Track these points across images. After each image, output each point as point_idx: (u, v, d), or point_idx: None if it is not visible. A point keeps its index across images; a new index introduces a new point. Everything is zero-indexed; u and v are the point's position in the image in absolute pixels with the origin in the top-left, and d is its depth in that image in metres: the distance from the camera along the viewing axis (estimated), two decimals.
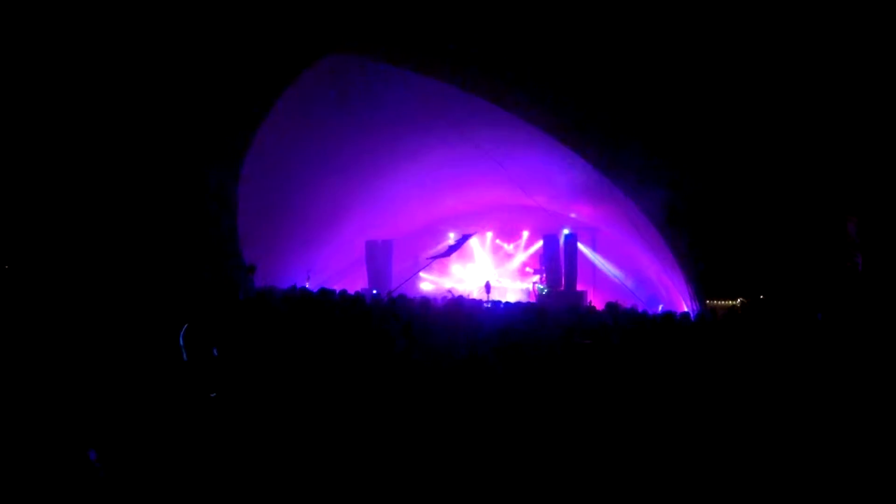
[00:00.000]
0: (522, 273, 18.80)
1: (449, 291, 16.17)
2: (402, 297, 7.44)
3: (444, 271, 19.50)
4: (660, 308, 13.59)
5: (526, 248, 19.17)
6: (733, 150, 9.85)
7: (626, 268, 16.91)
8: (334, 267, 16.72)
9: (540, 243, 18.23)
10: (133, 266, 7.46)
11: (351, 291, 8.82)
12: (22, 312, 4.60)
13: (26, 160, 7.92)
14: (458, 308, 6.46)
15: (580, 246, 17.40)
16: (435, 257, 17.48)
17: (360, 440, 3.52)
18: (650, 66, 9.44)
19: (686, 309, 12.02)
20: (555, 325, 5.54)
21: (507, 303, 10.31)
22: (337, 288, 8.18)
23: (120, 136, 8.51)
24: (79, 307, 4.64)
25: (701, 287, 11.89)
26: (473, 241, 19.44)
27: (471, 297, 15.21)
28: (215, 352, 4.16)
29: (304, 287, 9.70)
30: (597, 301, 15.50)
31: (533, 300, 16.17)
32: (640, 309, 8.65)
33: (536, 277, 17.97)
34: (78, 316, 4.45)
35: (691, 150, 10.24)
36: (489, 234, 19.39)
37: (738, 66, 8.95)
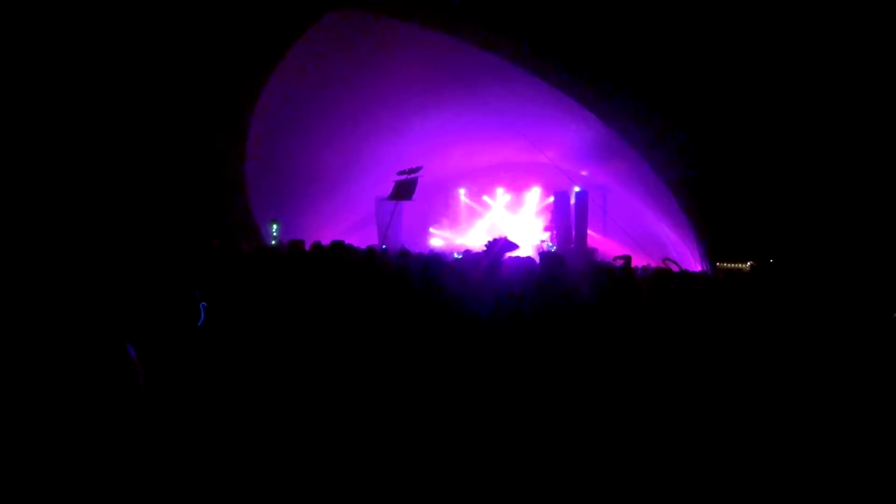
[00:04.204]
0: (532, 230, 18.74)
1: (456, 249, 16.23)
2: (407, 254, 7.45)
3: (454, 227, 19.51)
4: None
5: (536, 206, 19.04)
6: (752, 115, 9.58)
7: (637, 227, 16.78)
8: (344, 224, 16.78)
9: (550, 200, 18.09)
10: (138, 225, 7.56)
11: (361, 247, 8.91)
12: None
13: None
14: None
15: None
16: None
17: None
18: (673, 26, 9.07)
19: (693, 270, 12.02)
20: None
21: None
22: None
23: (122, 97, 8.43)
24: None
25: (711, 249, 11.83)
26: (483, 198, 19.35)
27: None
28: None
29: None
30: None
31: None
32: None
33: (546, 235, 17.91)
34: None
35: (709, 112, 9.96)
36: (499, 191, 19.25)
37: (761, 38, 8.58)
